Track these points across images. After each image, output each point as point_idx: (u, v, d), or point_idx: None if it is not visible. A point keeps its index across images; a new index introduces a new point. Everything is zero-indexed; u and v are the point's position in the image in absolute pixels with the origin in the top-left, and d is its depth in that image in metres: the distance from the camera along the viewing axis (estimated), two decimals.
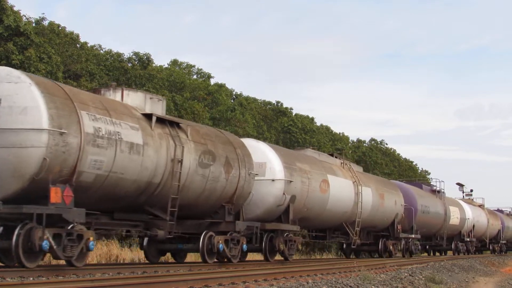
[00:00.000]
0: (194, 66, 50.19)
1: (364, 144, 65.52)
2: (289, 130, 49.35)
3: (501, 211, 57.65)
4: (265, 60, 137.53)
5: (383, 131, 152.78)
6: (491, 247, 50.36)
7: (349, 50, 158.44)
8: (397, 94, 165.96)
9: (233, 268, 15.68)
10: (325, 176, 22.64)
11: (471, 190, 55.55)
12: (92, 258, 21.01)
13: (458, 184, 55.74)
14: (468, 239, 41.81)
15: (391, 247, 28.88)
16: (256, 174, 18.65)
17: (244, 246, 18.06)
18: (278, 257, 20.86)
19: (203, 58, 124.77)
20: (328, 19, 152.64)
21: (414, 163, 74.93)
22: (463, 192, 55.17)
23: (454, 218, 38.75)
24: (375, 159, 61.19)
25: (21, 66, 24.82)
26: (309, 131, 50.94)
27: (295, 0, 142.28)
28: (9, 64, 23.98)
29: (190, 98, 38.49)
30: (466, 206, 42.47)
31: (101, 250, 22.06)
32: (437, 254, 43.65)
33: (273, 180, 19.49)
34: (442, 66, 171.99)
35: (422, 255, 38.36)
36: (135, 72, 34.95)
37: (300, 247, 20.91)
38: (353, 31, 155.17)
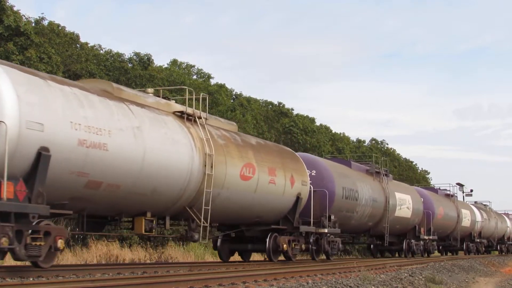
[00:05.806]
0: (194, 66, 50.13)
1: (364, 144, 65.43)
2: (290, 131, 49.26)
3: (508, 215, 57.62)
4: (265, 60, 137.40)
5: (383, 131, 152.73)
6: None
7: (349, 50, 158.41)
8: (397, 94, 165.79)
9: (233, 268, 15.68)
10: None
11: (471, 190, 55.46)
12: (92, 258, 21.00)
13: (458, 184, 55.65)
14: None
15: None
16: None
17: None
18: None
19: (203, 58, 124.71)
20: (328, 19, 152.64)
21: (414, 163, 74.85)
22: (463, 192, 55.06)
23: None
24: (375, 159, 60.94)
25: None
26: (310, 131, 50.81)
27: (295, 0, 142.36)
28: None
29: (190, 98, 38.41)
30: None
31: (101, 250, 22.04)
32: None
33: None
34: (442, 66, 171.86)
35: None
36: (136, 72, 34.87)
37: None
38: (353, 31, 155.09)
